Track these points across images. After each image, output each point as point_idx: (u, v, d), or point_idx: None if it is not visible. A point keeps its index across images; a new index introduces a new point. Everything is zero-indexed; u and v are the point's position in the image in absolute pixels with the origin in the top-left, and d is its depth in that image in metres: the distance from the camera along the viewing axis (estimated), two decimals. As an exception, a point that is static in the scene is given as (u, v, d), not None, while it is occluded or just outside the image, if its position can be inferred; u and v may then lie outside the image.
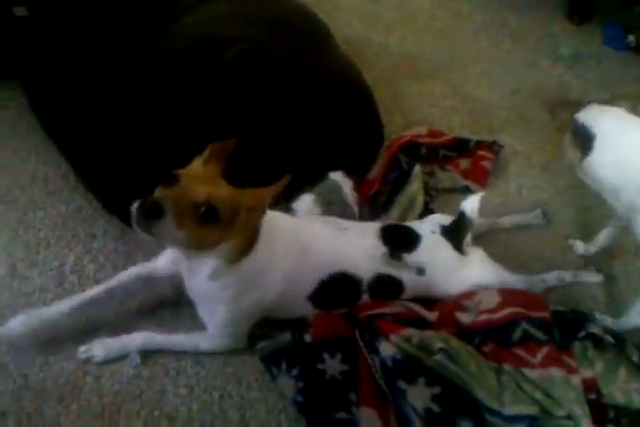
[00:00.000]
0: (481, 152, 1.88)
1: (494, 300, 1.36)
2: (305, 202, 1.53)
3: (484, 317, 1.35)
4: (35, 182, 1.66)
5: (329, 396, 1.24)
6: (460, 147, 1.89)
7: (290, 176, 1.13)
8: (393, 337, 1.25)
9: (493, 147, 1.91)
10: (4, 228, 1.53)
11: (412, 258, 1.39)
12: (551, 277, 1.54)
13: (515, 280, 1.47)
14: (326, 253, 1.32)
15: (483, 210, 1.42)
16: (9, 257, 1.47)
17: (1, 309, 1.37)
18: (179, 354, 1.33)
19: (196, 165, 1.14)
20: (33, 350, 1.30)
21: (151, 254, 1.39)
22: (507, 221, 1.71)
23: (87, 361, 1.29)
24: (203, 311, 1.30)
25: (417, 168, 1.74)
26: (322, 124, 1.66)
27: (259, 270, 1.24)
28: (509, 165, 1.93)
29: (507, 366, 1.28)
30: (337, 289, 1.34)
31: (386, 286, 1.37)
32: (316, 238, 1.33)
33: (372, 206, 1.66)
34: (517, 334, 1.32)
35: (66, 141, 1.65)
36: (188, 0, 1.91)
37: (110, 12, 1.86)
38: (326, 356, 1.28)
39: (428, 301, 1.41)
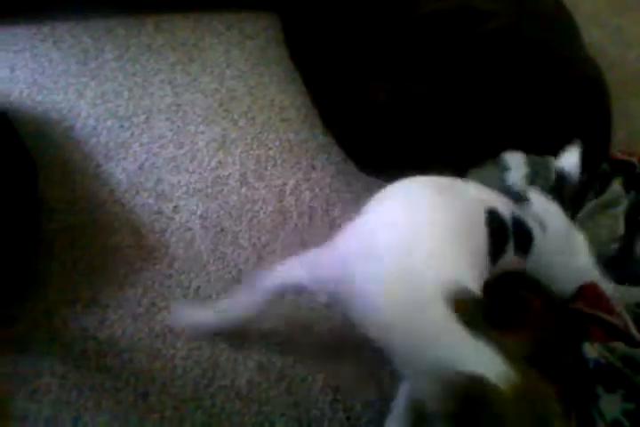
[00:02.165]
0: None
1: None
2: (516, 157, 1.47)
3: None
4: (272, 108, 1.79)
5: None
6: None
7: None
8: (597, 345, 1.23)
9: None
10: (242, 139, 1.68)
11: (531, 208, 1.23)
12: None
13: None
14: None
15: None
16: (242, 165, 1.61)
17: (229, 209, 1.51)
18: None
19: None
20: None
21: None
22: None
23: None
24: None
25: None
26: (555, 113, 1.64)
27: None
28: None
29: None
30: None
31: (521, 234, 1.19)
32: None
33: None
34: None
35: (312, 76, 1.76)
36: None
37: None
38: None
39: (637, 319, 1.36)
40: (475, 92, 1.58)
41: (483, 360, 0.80)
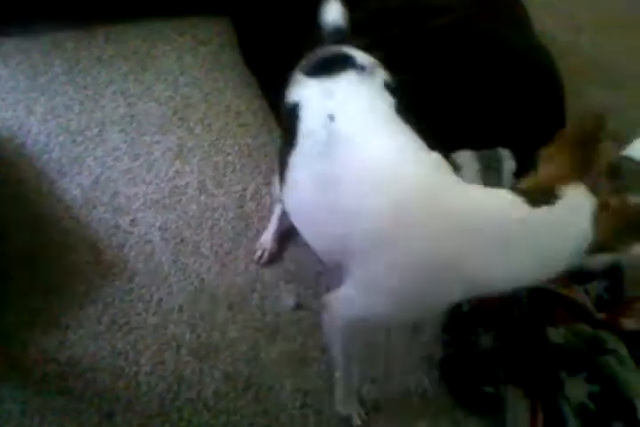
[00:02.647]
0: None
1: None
2: (464, 156, 1.48)
3: (654, 327, 1.30)
4: (229, 113, 1.77)
5: (478, 368, 1.25)
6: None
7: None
8: (562, 328, 1.23)
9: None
10: (199, 147, 1.65)
11: None
12: None
13: None
14: None
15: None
16: (200, 174, 1.59)
17: (188, 218, 1.49)
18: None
19: None
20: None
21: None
22: None
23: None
24: None
25: None
26: (510, 104, 1.64)
27: None
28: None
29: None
30: None
31: None
32: None
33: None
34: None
35: (267, 79, 1.75)
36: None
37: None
38: (481, 331, 1.30)
39: (601, 302, 1.37)
40: (427, 88, 1.58)
41: None
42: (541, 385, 1.21)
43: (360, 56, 1.08)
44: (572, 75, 2.19)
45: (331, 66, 1.04)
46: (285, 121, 1.11)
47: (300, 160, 0.98)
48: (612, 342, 1.22)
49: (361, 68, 1.03)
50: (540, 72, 1.75)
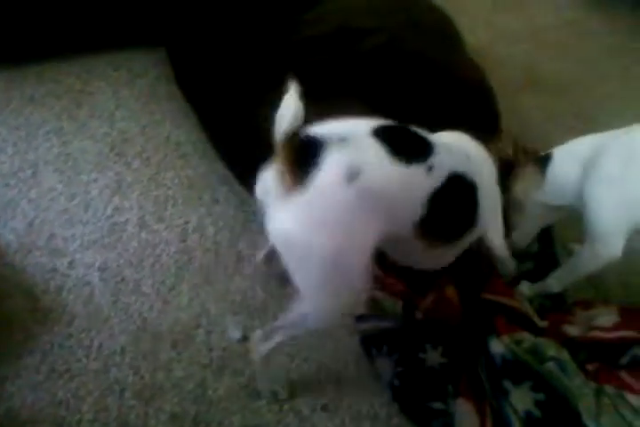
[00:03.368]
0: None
1: (612, 319, 1.33)
2: None
3: (594, 333, 1.32)
4: (168, 145, 1.76)
5: (426, 384, 1.26)
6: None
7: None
8: (505, 338, 1.24)
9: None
10: (138, 182, 1.64)
11: None
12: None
13: None
14: None
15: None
16: (140, 209, 1.57)
17: (129, 256, 1.47)
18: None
19: None
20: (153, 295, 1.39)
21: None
22: None
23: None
24: None
25: None
26: (442, 119, 1.67)
27: None
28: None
29: (609, 388, 1.24)
30: None
31: None
32: None
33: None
34: (627, 358, 1.29)
35: (205, 109, 1.75)
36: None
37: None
38: (428, 347, 1.30)
39: (544, 310, 1.39)
40: (361, 109, 1.60)
41: None
42: (488, 396, 1.23)
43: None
44: (509, 84, 2.26)
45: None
46: None
47: None
48: (553, 349, 1.24)
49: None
50: (469, 86, 1.79)
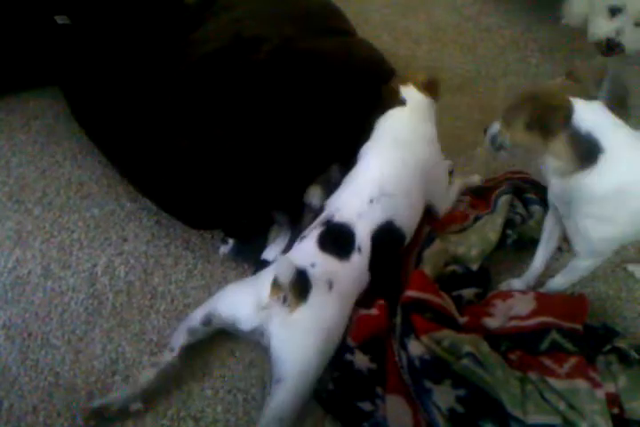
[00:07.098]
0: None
1: (528, 306, 1.36)
2: (314, 194, 1.55)
3: (512, 323, 1.35)
4: (70, 186, 1.71)
5: (354, 385, 1.26)
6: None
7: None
8: (424, 338, 1.25)
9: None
10: (40, 229, 1.58)
11: None
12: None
13: None
14: None
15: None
16: (43, 258, 1.52)
17: (35, 307, 1.41)
18: (207, 357, 1.35)
19: None
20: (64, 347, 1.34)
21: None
22: None
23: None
24: None
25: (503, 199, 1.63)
26: (356, 114, 1.66)
27: None
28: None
29: (532, 375, 1.26)
30: None
31: None
32: None
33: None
34: (546, 344, 1.31)
35: (109, 143, 1.69)
36: (215, 7, 1.97)
37: (144, 22, 1.93)
38: (357, 350, 1.29)
39: (460, 302, 1.40)
40: (269, 119, 1.58)
41: None
42: (414, 397, 1.23)
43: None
44: (414, 86, 2.30)
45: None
46: None
47: None
48: (470, 345, 1.25)
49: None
50: (368, 73, 1.76)
